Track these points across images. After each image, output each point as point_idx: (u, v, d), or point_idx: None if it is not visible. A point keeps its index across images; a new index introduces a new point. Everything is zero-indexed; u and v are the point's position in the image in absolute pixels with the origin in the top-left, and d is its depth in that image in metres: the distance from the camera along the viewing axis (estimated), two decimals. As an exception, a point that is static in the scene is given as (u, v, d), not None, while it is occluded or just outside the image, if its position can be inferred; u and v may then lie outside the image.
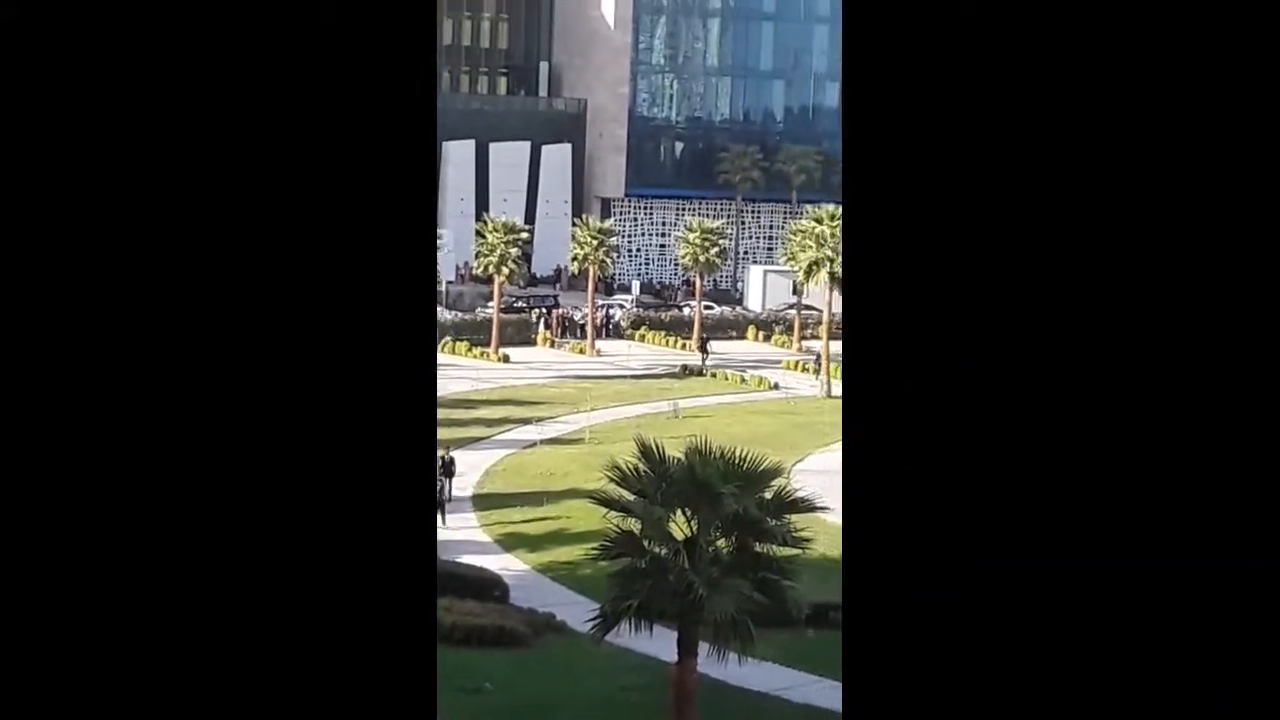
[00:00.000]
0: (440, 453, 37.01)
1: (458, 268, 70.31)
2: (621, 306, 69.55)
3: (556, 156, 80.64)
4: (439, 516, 34.36)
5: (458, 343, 59.54)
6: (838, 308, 50.05)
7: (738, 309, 71.08)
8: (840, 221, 43.75)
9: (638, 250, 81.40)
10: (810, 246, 54.28)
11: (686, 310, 67.63)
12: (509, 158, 79.25)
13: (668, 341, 64.04)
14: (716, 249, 64.19)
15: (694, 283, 67.51)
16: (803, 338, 63.28)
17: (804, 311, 63.49)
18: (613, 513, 18.54)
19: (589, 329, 62.33)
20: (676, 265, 73.42)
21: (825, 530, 21.62)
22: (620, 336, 65.10)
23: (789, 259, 58.47)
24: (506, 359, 58.15)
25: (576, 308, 65.72)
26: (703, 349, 59.61)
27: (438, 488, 34.75)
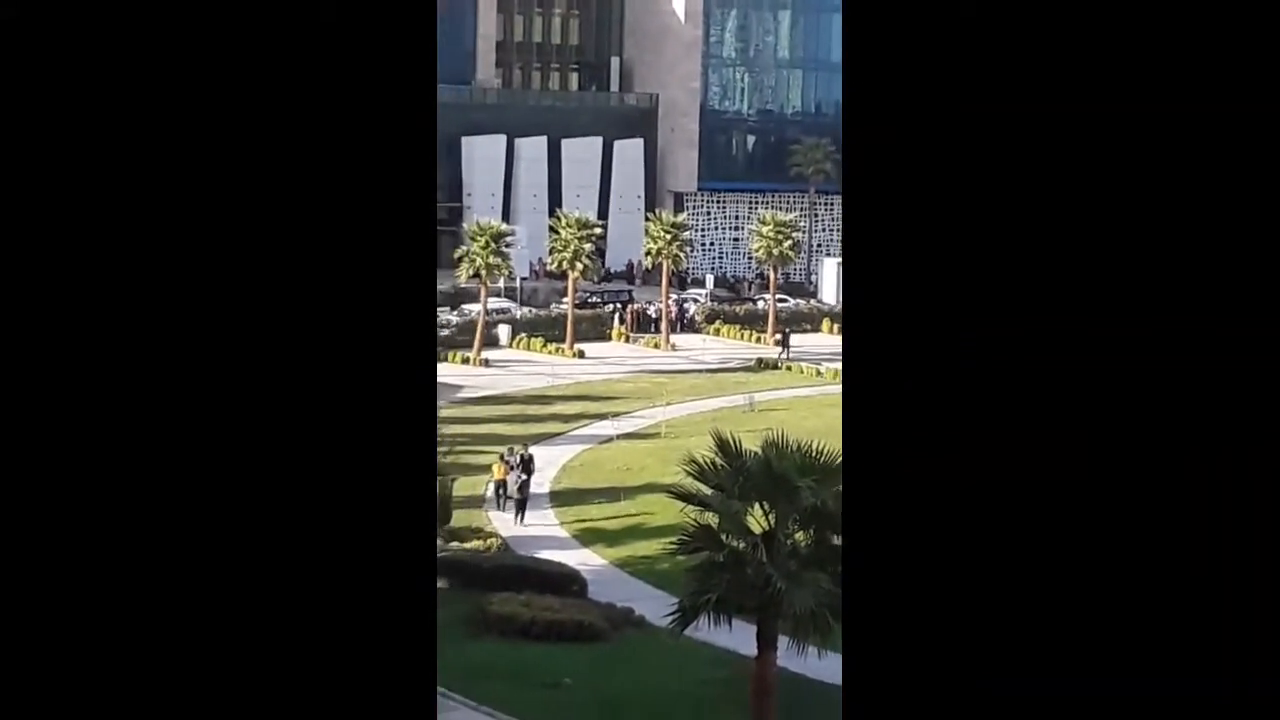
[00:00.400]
0: (519, 449, 37.07)
1: (531, 264, 70.47)
2: (695, 300, 69.49)
3: (629, 151, 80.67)
4: (517, 515, 34.35)
5: (533, 339, 59.70)
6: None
7: (812, 302, 70.88)
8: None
9: (711, 244, 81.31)
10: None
11: (760, 304, 67.47)
12: (581, 153, 79.35)
13: (742, 335, 63.94)
14: (790, 242, 64.03)
15: (768, 276, 67.35)
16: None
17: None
18: (690, 507, 18.53)
19: (663, 323, 62.32)
20: (750, 259, 73.29)
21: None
22: (694, 330, 65.07)
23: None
24: (582, 354, 58.24)
25: (650, 302, 65.72)
26: (782, 343, 59.46)
27: (517, 485, 34.73)
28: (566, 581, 29.28)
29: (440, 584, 28.73)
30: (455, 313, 61.84)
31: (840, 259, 73.82)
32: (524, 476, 35.25)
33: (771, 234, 63.37)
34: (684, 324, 65.29)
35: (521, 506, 34.52)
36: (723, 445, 18.11)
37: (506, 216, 70.74)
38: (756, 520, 17.98)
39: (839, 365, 56.30)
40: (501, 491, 35.31)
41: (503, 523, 34.35)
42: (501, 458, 36.40)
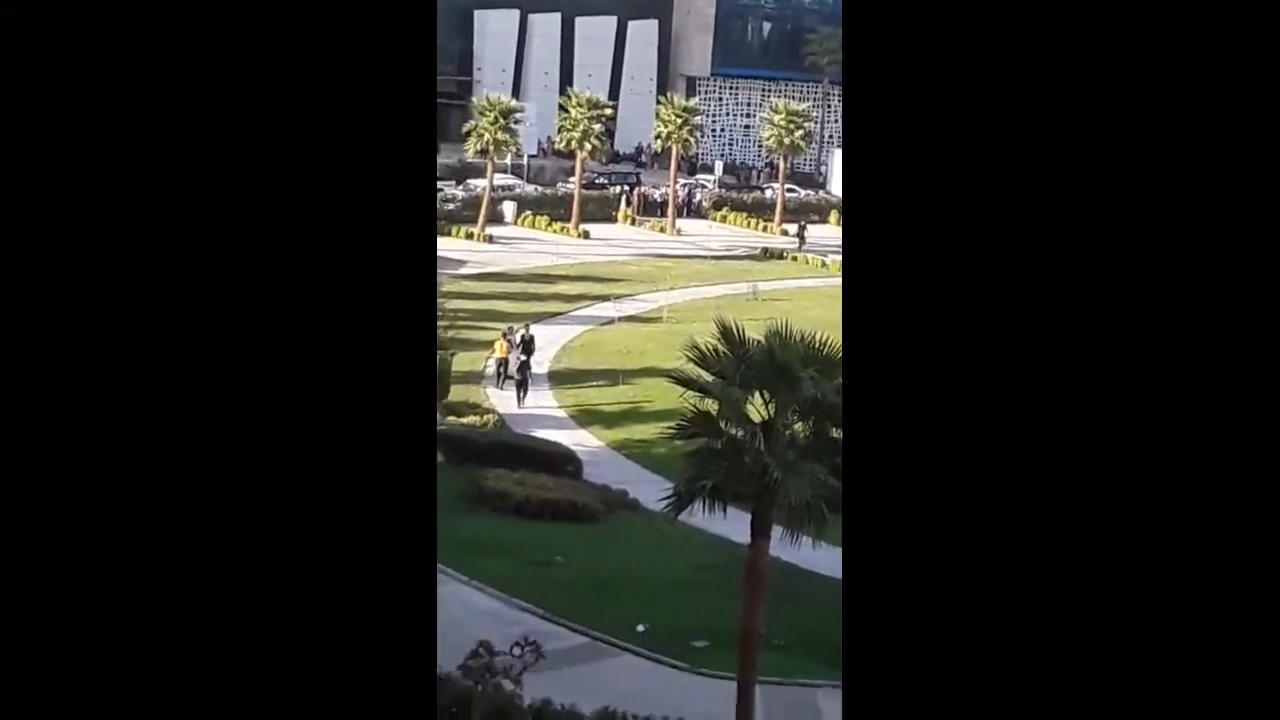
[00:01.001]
0: (520, 330, 36.97)
1: (540, 142, 70.02)
2: (703, 186, 69.12)
3: (643, 33, 79.88)
4: (518, 395, 34.23)
5: (538, 217, 59.42)
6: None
7: (820, 193, 70.48)
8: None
9: (721, 130, 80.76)
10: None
11: (769, 193, 67.13)
12: (595, 32, 78.59)
13: (749, 223, 63.66)
14: (801, 131, 63.54)
15: (777, 165, 66.93)
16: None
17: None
18: (690, 393, 18.43)
19: (670, 208, 62.00)
20: (760, 147, 72.78)
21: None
22: (701, 216, 64.78)
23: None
24: (586, 235, 58.01)
25: (658, 186, 65.37)
26: (799, 234, 59.27)
27: (517, 366, 34.66)
28: (562, 461, 29.31)
29: (437, 458, 28.79)
30: (461, 187, 61.51)
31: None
32: (524, 357, 35.16)
33: (783, 123, 62.88)
34: (691, 209, 64.98)
35: (522, 387, 34.44)
36: (726, 332, 17.97)
37: (516, 93, 70.17)
38: (756, 408, 17.88)
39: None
40: (502, 370, 35.27)
41: (500, 400, 34.34)
42: (504, 335, 36.34)
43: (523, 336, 36.06)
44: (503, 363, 35.42)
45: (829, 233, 62.19)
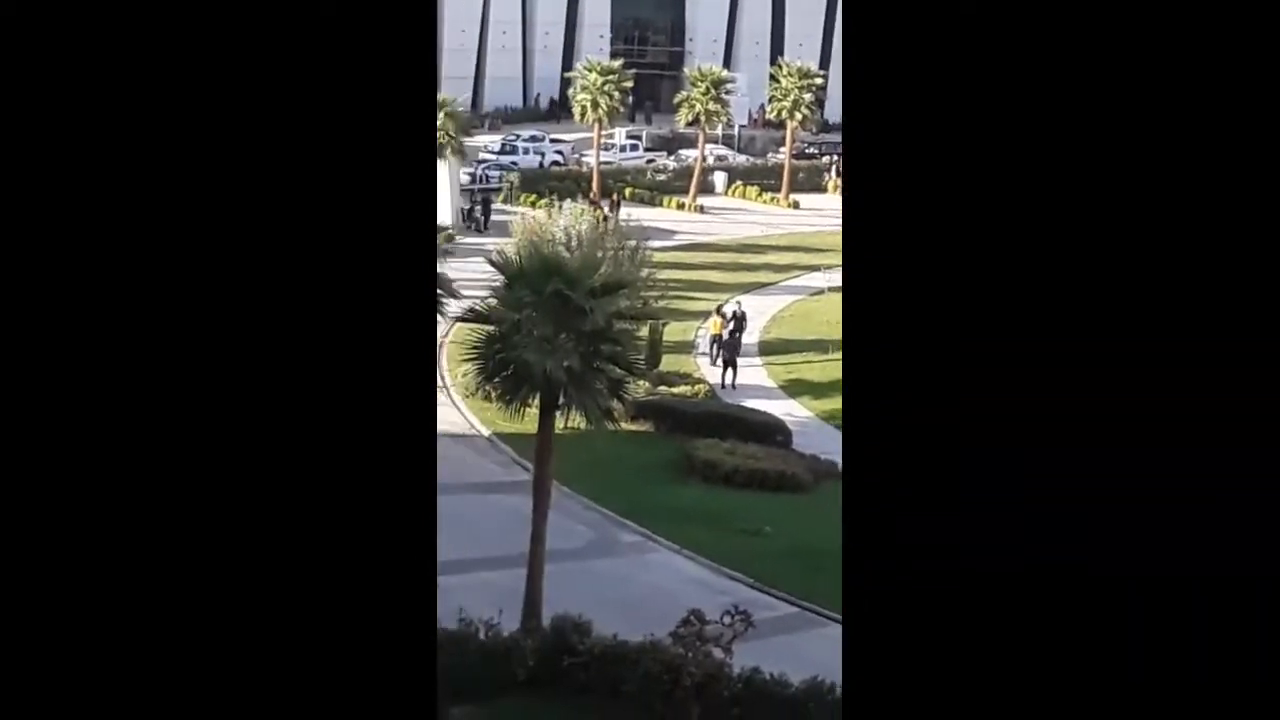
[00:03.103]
0: (732, 305, 37.00)
1: (750, 112, 69.92)
2: (915, 155, 68.41)
3: (855, 0, 79.25)
4: (727, 372, 34.06)
5: (748, 187, 59.44)
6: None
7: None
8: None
9: (934, 98, 79.86)
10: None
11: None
12: (806, 2, 78.16)
13: (961, 193, 62.90)
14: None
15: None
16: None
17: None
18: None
19: (881, 177, 61.51)
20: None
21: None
22: (912, 186, 64.15)
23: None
24: (796, 205, 57.87)
25: (869, 156, 64.86)
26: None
27: (728, 343, 34.50)
28: (771, 431, 29.41)
29: (648, 427, 29.08)
30: (673, 158, 61.72)
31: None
32: (736, 334, 35.15)
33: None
34: (902, 179, 64.37)
35: (730, 365, 34.32)
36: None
37: (728, 63, 70.16)
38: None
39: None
40: (716, 346, 35.22)
41: (711, 371, 34.50)
42: (718, 309, 36.40)
43: (734, 313, 36.05)
44: (716, 339, 35.43)
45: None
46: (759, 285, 43.99)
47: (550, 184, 54.17)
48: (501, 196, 52.34)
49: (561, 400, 18.67)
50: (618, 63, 57.42)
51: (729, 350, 34.50)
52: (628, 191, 55.45)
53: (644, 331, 29.84)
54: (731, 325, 35.33)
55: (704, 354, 35.68)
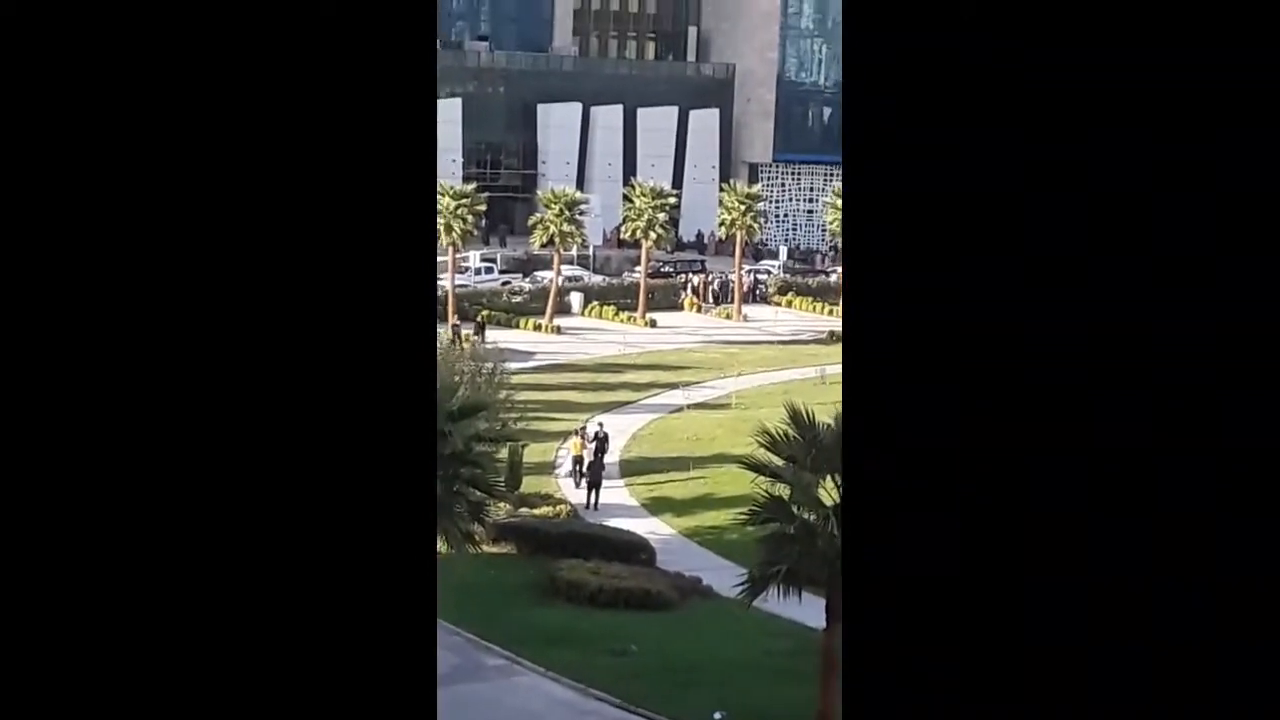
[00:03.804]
0: (594, 425, 36.94)
1: (605, 232, 70.51)
2: (768, 272, 69.30)
3: (704, 121, 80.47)
4: (590, 495, 33.79)
5: (605, 307, 59.73)
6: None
7: (886, 275, 70.42)
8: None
9: (785, 216, 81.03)
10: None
11: (834, 276, 67.19)
12: (657, 123, 79.22)
13: (814, 307, 63.72)
14: (865, 214, 63.64)
15: (841, 249, 67.05)
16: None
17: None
18: (761, 478, 18.49)
19: (736, 294, 62.20)
20: (824, 231, 72.98)
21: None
22: (767, 302, 64.91)
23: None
24: (653, 323, 58.23)
25: (723, 273, 65.60)
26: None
27: (590, 465, 34.28)
28: (635, 549, 29.32)
29: (509, 549, 28.85)
30: (528, 280, 61.93)
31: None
32: (599, 455, 35.05)
33: (846, 206, 63.04)
34: (756, 295, 65.14)
35: (595, 487, 34.19)
36: (795, 416, 18.06)
37: (581, 184, 70.74)
38: (828, 492, 17.93)
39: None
40: (578, 468, 35.09)
41: (572, 490, 34.39)
42: (578, 432, 36.34)
43: (597, 434, 36.02)
44: (578, 460, 35.34)
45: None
46: (618, 404, 44.06)
47: (406, 308, 53.92)
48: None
49: None
50: (470, 186, 57.71)
51: (592, 472, 34.37)
52: (484, 314, 55.47)
53: (503, 454, 29.86)
54: (594, 446, 35.26)
55: (567, 475, 35.59)
